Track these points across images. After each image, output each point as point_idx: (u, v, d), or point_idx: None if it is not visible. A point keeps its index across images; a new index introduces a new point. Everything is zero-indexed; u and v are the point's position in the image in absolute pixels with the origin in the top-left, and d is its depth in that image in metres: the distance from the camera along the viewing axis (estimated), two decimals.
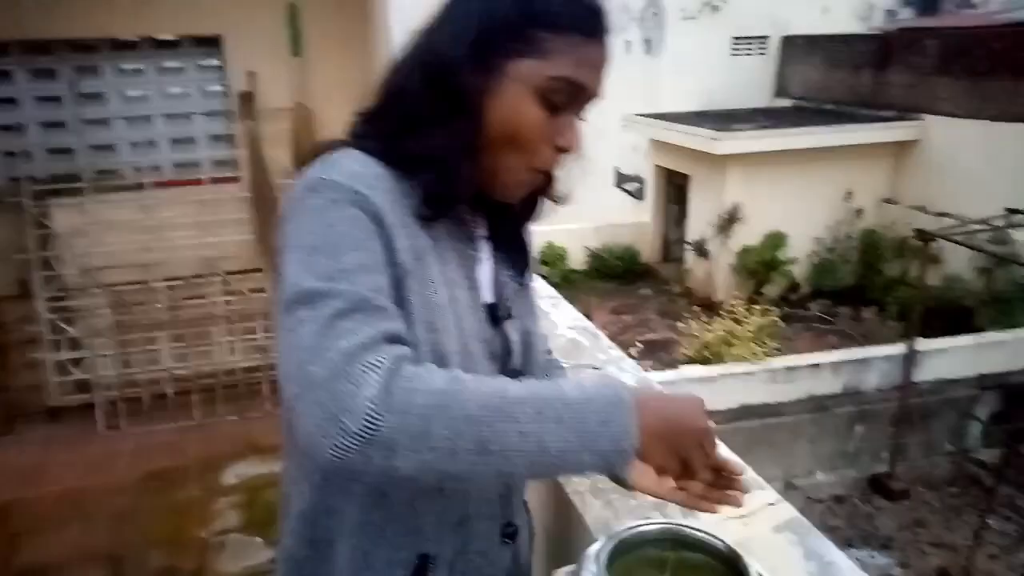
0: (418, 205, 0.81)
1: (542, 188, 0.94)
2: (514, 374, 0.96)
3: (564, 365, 1.22)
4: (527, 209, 0.98)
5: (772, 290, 10.71)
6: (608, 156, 14.86)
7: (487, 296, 0.94)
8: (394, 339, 0.71)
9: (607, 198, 15.15)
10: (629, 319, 11.36)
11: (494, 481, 0.74)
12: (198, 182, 4.16)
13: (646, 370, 9.34)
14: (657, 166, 12.75)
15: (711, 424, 0.77)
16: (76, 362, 4.25)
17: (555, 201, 0.99)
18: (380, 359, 0.66)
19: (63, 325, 4.20)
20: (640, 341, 9.97)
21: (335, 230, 0.73)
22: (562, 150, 0.84)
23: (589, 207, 15.36)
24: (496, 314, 0.94)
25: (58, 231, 4.11)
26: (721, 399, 8.76)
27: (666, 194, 13.05)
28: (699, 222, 11.48)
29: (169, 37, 4.15)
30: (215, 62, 4.23)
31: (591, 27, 0.83)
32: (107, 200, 4.13)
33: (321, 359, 0.65)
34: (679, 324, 10.13)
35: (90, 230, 4.11)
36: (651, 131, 11.95)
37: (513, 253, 0.99)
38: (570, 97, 0.83)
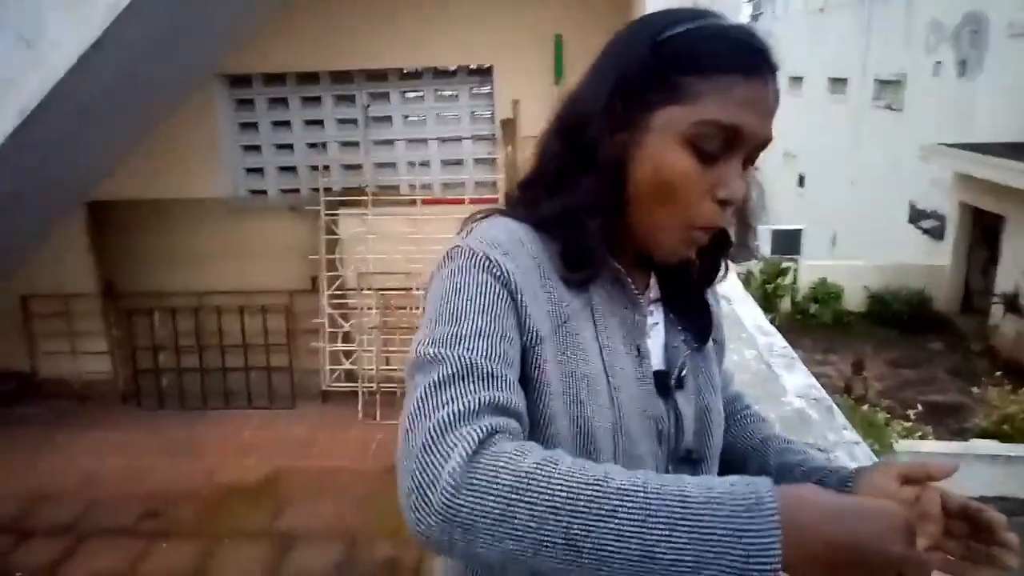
0: (561, 267, 0.78)
1: (719, 245, 0.85)
2: (687, 457, 0.86)
3: (767, 425, 1.05)
4: (706, 270, 0.90)
5: None
6: (902, 188, 13.33)
7: (656, 364, 0.86)
8: (500, 409, 0.67)
9: (897, 235, 13.58)
10: (911, 374, 10.04)
11: None
12: (461, 201, 4.46)
13: (925, 437, 8.20)
14: (963, 203, 11.15)
15: (912, 550, 0.57)
16: (347, 354, 4.78)
17: (732, 260, 0.90)
18: (473, 431, 0.62)
19: (340, 319, 4.76)
20: (922, 402, 8.77)
21: (460, 296, 0.73)
22: (724, 203, 0.75)
23: (874, 243, 13.98)
24: (666, 383, 0.85)
25: (343, 237, 4.67)
26: (1021, 485, 7.39)
27: (972, 236, 11.35)
28: (1013, 272, 9.83)
29: (448, 67, 4.52)
30: (486, 90, 4.52)
31: (744, 65, 0.74)
32: (384, 212, 4.60)
33: (420, 427, 0.64)
34: (974, 389, 8.77)
35: (368, 238, 4.61)
36: (958, 163, 10.46)
37: (692, 318, 0.91)
38: (725, 143, 0.74)
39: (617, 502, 0.57)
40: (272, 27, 4.35)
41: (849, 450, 1.58)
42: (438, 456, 0.61)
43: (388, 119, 4.68)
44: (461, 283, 0.74)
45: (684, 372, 0.87)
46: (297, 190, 4.80)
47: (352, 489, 3.93)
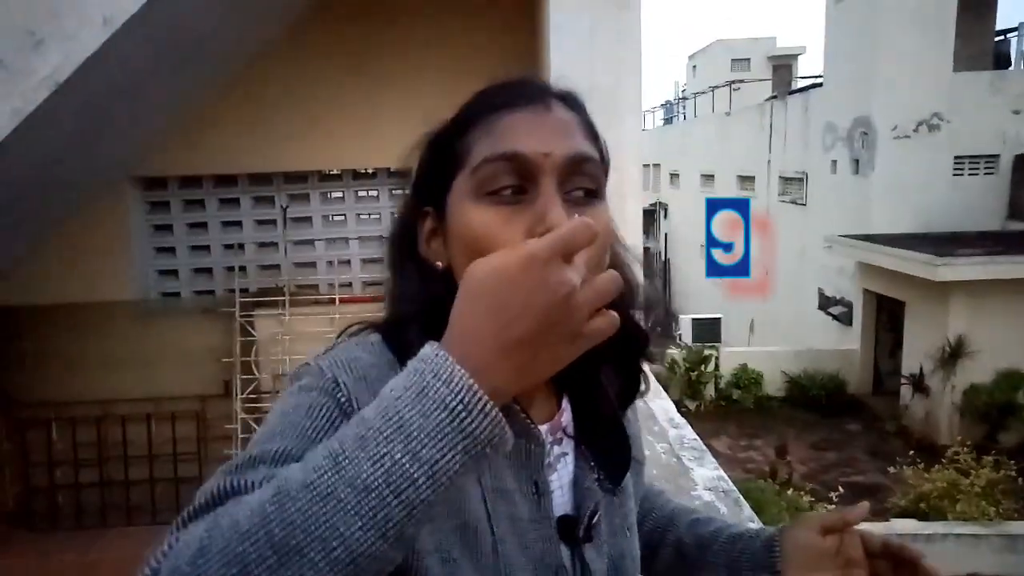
0: None
1: (634, 348, 0.76)
2: None
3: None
4: (624, 390, 0.79)
5: (1009, 438, 9.31)
6: (811, 277, 14.02)
7: (563, 506, 0.75)
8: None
9: (809, 321, 14.17)
10: (832, 456, 10.29)
11: None
12: (381, 299, 4.42)
13: None
14: (866, 290, 11.81)
15: (569, 279, 0.50)
16: None
17: (650, 361, 0.80)
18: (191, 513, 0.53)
19: (254, 424, 4.57)
20: (843, 483, 8.96)
21: (288, 417, 0.63)
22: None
23: (789, 330, 14.51)
24: (573, 531, 0.73)
25: (259, 338, 4.55)
26: (941, 563, 7.52)
27: (877, 321, 11.98)
28: (916, 354, 10.36)
29: (367, 169, 4.59)
30: (403, 190, 4.59)
31: (508, 100, 0.70)
32: (302, 312, 4.53)
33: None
34: (891, 468, 9.04)
35: (285, 339, 4.51)
36: (859, 253, 11.14)
37: (607, 450, 0.77)
38: (516, 175, 0.66)
39: (305, 475, 0.49)
40: (188, 130, 4.35)
41: None
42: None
43: (308, 219, 4.68)
44: (294, 402, 0.63)
45: (597, 518, 0.75)
46: (212, 291, 4.69)
47: None
